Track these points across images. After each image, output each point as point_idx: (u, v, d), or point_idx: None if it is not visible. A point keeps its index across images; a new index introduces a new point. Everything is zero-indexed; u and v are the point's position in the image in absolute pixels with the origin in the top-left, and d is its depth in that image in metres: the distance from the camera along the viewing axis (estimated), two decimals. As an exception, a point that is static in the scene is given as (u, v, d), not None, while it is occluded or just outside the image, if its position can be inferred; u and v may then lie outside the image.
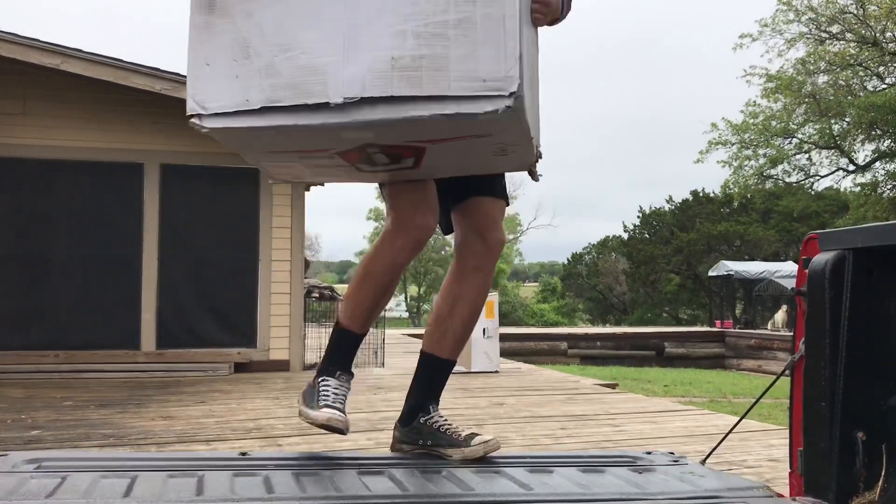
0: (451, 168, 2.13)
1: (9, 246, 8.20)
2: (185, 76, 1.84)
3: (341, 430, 2.17)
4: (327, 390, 2.23)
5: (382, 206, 53.21)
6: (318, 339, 9.76)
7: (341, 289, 12.95)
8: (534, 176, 2.16)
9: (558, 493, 1.89)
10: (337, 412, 2.17)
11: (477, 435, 2.23)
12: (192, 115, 1.78)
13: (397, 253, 2.22)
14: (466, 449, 2.19)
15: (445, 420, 2.29)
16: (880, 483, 1.84)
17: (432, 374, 2.37)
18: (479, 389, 7.45)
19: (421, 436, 2.27)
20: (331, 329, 2.40)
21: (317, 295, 10.80)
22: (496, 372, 8.84)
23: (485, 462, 2.17)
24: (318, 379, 2.28)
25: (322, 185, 9.18)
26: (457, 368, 9.34)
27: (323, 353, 2.37)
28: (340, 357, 2.31)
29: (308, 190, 9.86)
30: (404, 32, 1.73)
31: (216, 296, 8.65)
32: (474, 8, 1.72)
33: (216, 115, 1.77)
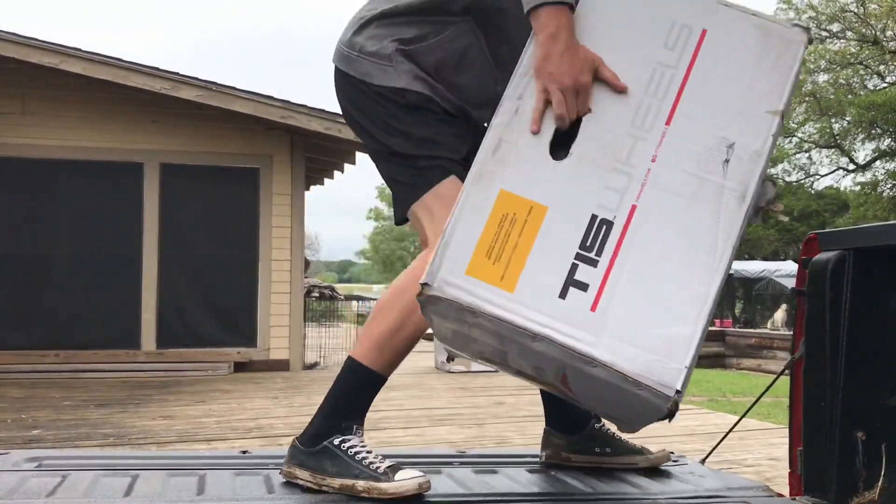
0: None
1: (8, 246, 8.20)
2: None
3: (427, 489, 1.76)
4: (363, 454, 1.79)
5: (382, 206, 52.95)
6: (317, 339, 9.76)
7: (341, 288, 12.96)
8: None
9: (559, 492, 1.90)
10: (418, 472, 1.76)
11: (645, 448, 2.15)
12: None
13: None
14: (651, 456, 2.11)
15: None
16: (880, 483, 1.84)
17: None
18: (479, 389, 7.46)
19: (597, 443, 2.13)
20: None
21: (317, 294, 10.81)
22: (496, 371, 8.84)
23: (484, 462, 2.17)
24: (333, 440, 1.80)
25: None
26: (457, 368, 9.23)
27: (332, 403, 1.88)
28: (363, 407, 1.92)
29: (308, 190, 9.86)
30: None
31: (216, 295, 8.65)
32: None
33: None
